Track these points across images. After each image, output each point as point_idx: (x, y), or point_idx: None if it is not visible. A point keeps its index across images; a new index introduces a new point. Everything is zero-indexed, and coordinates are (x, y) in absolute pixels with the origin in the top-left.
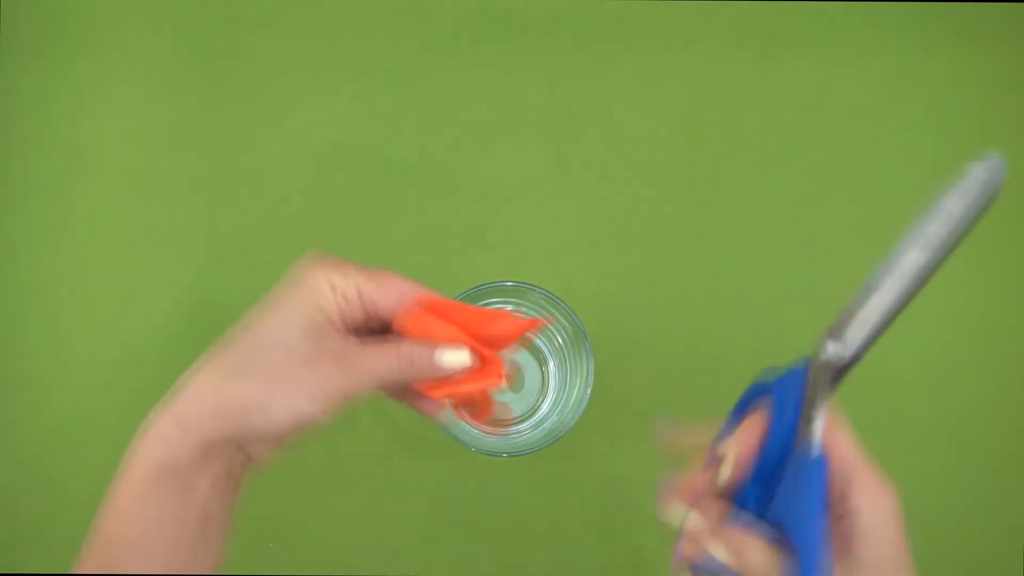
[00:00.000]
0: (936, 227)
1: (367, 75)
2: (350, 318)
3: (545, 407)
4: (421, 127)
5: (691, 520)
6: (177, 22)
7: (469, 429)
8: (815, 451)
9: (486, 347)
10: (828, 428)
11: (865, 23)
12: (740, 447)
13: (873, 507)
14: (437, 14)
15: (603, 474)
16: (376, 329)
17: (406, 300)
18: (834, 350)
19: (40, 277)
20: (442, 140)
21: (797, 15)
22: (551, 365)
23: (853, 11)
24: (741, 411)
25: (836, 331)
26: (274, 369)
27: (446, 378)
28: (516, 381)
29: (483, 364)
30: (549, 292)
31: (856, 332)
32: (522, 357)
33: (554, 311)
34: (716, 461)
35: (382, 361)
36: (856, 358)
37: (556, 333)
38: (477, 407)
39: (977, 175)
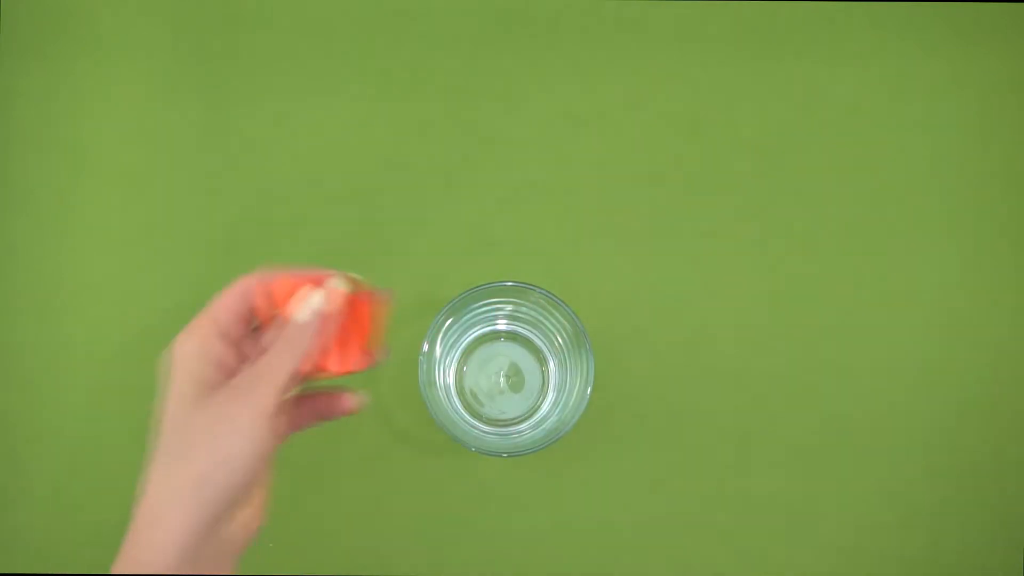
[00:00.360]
0: None
1: (367, 75)
2: (228, 355)
3: (545, 407)
4: (421, 127)
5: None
6: (177, 22)
7: (469, 429)
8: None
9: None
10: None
11: (865, 23)
12: None
13: None
14: (437, 14)
15: (603, 474)
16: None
17: (249, 293)
18: None
19: (40, 277)
20: (442, 140)
21: (797, 15)
22: (551, 365)
23: (853, 11)
24: None
25: None
26: (204, 433)
27: (323, 342)
28: (516, 381)
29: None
30: (549, 292)
31: None
32: (522, 357)
33: (554, 311)
34: None
35: (275, 360)
36: None
37: (556, 333)
38: (368, 331)
39: None
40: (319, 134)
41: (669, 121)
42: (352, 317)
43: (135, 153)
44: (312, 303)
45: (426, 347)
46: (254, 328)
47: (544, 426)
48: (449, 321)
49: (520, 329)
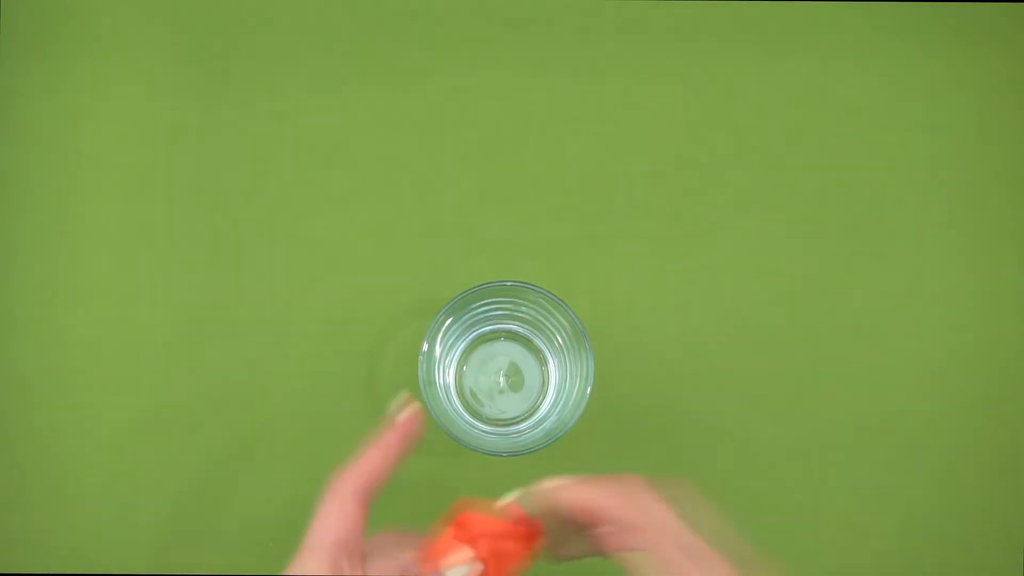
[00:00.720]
0: None
1: (367, 75)
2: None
3: (545, 407)
4: (421, 127)
5: None
6: (177, 22)
7: (469, 429)
8: None
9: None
10: (556, 494)
11: (865, 23)
12: None
13: (646, 525)
14: (437, 14)
15: (603, 474)
16: None
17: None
18: None
19: (40, 277)
20: (442, 140)
21: (797, 15)
22: (551, 365)
23: (853, 11)
24: None
25: None
26: None
27: None
28: (516, 381)
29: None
30: (549, 292)
31: None
32: (522, 357)
33: (554, 311)
34: None
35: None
36: None
37: (556, 333)
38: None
39: None
40: (319, 134)
41: (669, 121)
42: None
43: (135, 153)
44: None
45: (426, 347)
46: None
47: (544, 426)
48: (449, 321)
49: (520, 329)
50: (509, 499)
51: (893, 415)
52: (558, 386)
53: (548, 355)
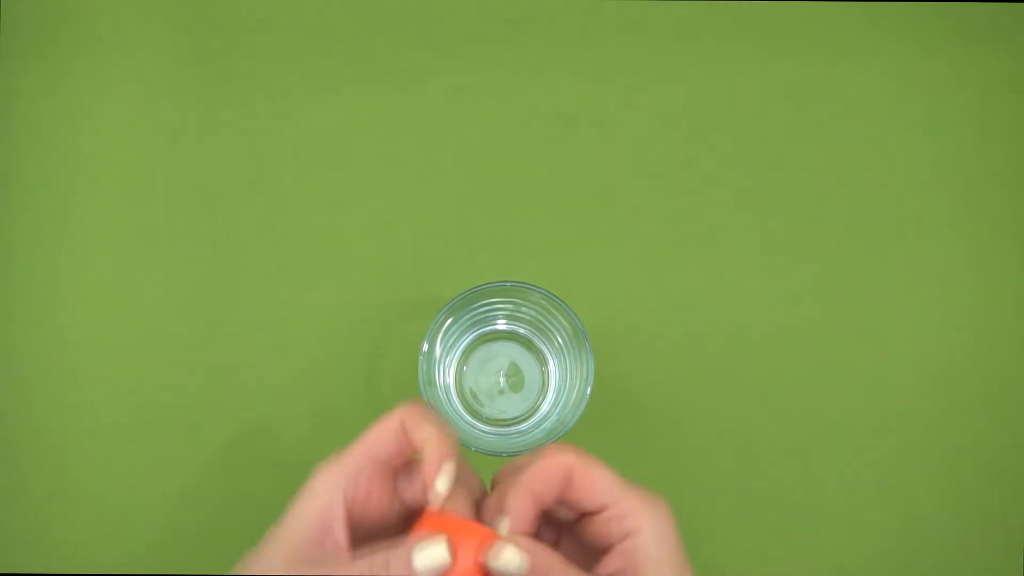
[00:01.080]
0: None
1: (367, 75)
2: (363, 517)
3: (545, 407)
4: (421, 127)
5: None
6: (177, 22)
7: (469, 429)
8: None
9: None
10: (581, 473)
11: (865, 23)
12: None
13: (650, 527)
14: (437, 14)
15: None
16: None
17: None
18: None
19: (40, 277)
20: (442, 140)
21: (797, 15)
22: (551, 365)
23: (853, 11)
24: None
25: None
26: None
27: None
28: (516, 381)
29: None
30: (549, 292)
31: None
32: (522, 357)
33: (554, 311)
34: None
35: (354, 569)
36: None
37: (556, 333)
38: None
39: None
40: (319, 134)
41: (669, 121)
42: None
43: (135, 153)
44: (437, 555)
45: (426, 347)
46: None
47: (544, 426)
48: (449, 321)
49: (520, 329)
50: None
51: (893, 415)
52: (558, 386)
53: (548, 355)
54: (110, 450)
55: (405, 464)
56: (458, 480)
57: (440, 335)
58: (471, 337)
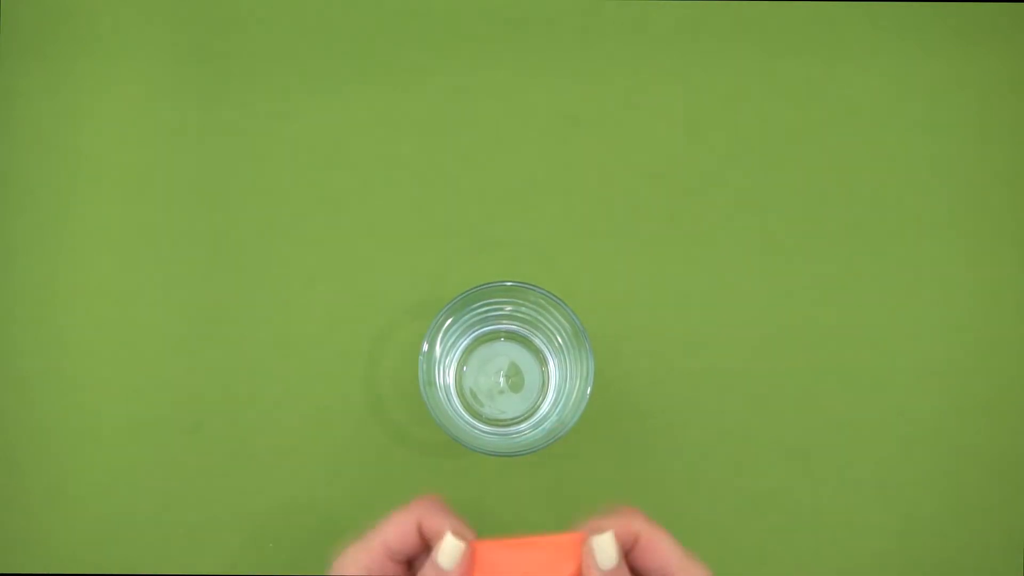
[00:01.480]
0: None
1: (367, 75)
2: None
3: (545, 407)
4: (421, 127)
5: None
6: (177, 22)
7: (469, 429)
8: None
9: None
10: (648, 538)
11: (865, 23)
12: None
13: None
14: (437, 14)
15: (603, 474)
16: None
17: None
18: None
19: (40, 277)
20: (442, 140)
21: (797, 15)
22: (551, 365)
23: (853, 11)
24: None
25: None
26: None
27: None
28: (516, 381)
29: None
30: (549, 292)
31: None
32: (522, 357)
33: (554, 311)
34: None
35: None
36: None
37: (556, 333)
38: None
39: None
40: (319, 134)
41: (669, 121)
42: None
43: (135, 153)
44: (453, 550)
45: (426, 347)
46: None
47: (544, 426)
48: (449, 321)
49: (520, 329)
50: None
51: (893, 415)
52: (558, 386)
53: (548, 355)
54: (110, 450)
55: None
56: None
57: (440, 335)
58: (471, 337)
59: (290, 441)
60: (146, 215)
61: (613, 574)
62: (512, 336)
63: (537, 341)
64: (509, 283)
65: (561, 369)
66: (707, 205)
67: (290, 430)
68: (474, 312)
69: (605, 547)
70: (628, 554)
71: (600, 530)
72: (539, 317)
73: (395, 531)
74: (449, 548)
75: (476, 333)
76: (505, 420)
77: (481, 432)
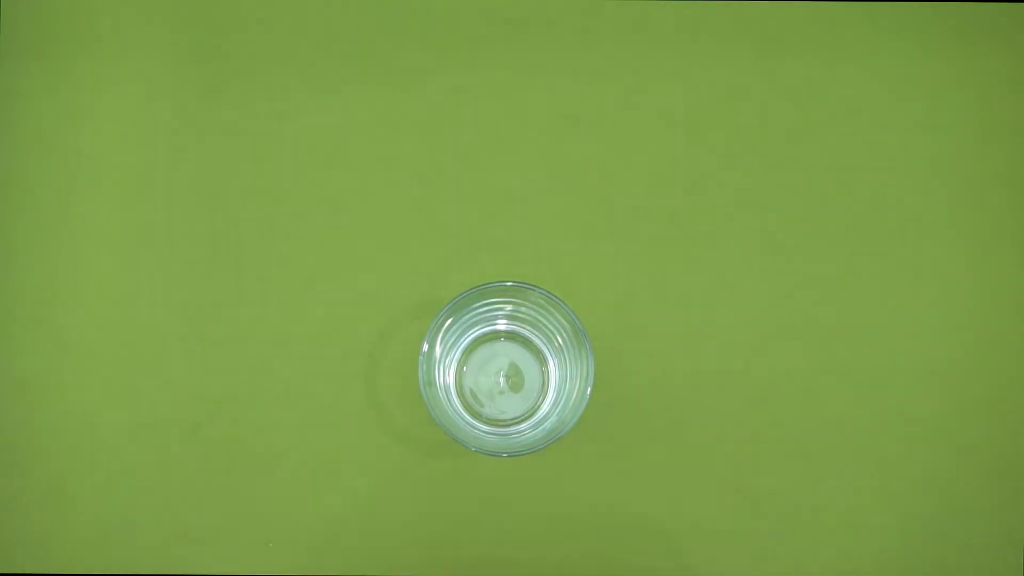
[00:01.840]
0: None
1: (367, 75)
2: None
3: (545, 407)
4: (421, 127)
5: None
6: (177, 22)
7: (469, 429)
8: None
9: None
10: None
11: (865, 23)
12: None
13: None
14: (437, 14)
15: (603, 474)
16: None
17: None
18: None
19: (40, 277)
20: (442, 140)
21: (797, 15)
22: (551, 365)
23: (853, 11)
24: None
25: None
26: None
27: None
28: (516, 381)
29: None
30: (549, 292)
31: None
32: (522, 357)
33: (554, 311)
34: None
35: None
36: None
37: (556, 333)
38: None
39: None
40: (319, 134)
41: (669, 121)
42: None
43: (135, 153)
44: None
45: (426, 347)
46: None
47: (544, 426)
48: (449, 321)
49: (520, 329)
50: None
51: (893, 415)
52: (558, 386)
53: (548, 355)
54: (110, 450)
55: None
56: None
57: (440, 335)
58: (471, 337)
59: (290, 441)
60: (146, 215)
61: None
62: (512, 336)
63: (537, 341)
64: (509, 283)
65: (561, 369)
66: (707, 205)
67: (290, 430)
68: (474, 312)
69: None
70: None
71: None
72: (539, 317)
73: None
74: None
75: (476, 333)
76: (505, 420)
77: (481, 432)
